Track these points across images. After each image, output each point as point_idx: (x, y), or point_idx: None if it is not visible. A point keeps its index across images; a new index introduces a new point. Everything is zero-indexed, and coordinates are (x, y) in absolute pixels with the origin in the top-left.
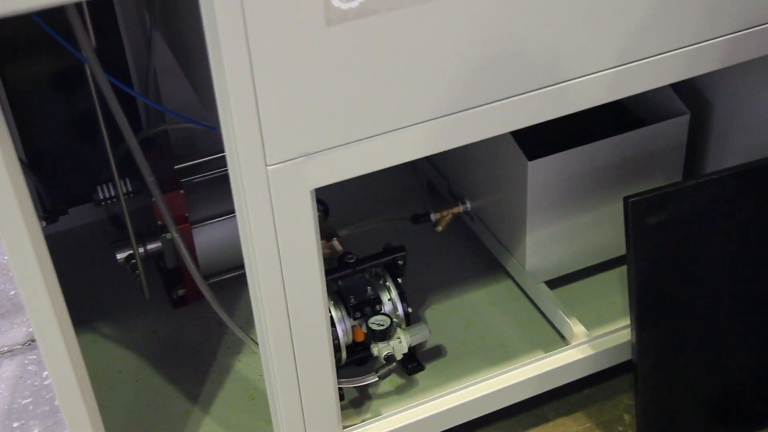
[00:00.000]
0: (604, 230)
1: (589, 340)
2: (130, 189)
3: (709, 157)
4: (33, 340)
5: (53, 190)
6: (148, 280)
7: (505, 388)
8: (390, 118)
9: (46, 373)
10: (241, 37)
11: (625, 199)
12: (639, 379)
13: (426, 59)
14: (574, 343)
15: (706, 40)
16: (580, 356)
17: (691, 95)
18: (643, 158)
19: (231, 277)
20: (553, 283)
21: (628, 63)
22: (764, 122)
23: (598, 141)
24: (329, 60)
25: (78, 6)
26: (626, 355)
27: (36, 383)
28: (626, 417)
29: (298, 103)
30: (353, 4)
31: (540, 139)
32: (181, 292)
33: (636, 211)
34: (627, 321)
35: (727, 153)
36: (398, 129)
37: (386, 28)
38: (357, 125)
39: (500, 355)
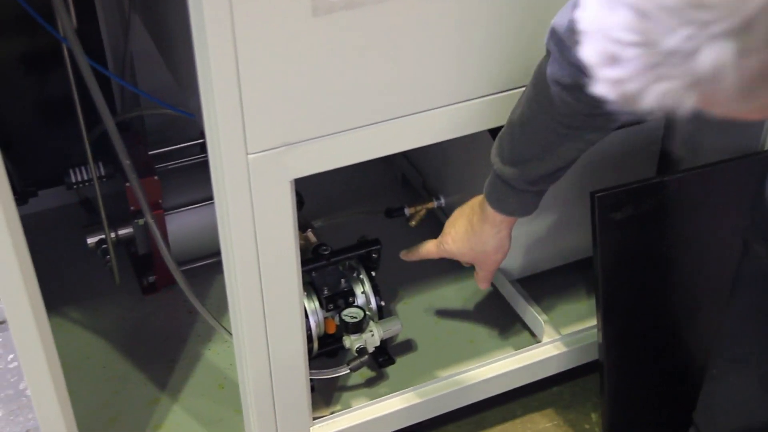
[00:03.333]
0: (576, 230)
1: (559, 338)
2: (103, 173)
3: (682, 158)
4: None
5: (23, 170)
6: (119, 266)
7: (474, 384)
8: (374, 110)
9: (11, 356)
10: (226, 24)
11: (592, 194)
12: (605, 378)
13: (412, 52)
14: (544, 341)
15: None
16: (549, 354)
17: None
18: (618, 158)
19: (202, 265)
20: (525, 281)
21: None
22: (736, 124)
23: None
24: (315, 50)
25: None
26: (595, 354)
27: (0, 366)
28: (593, 415)
29: (281, 92)
30: None
31: None
32: (151, 278)
33: (603, 207)
34: (596, 320)
35: (701, 154)
36: (382, 121)
37: (373, 19)
38: (340, 116)
39: (470, 350)
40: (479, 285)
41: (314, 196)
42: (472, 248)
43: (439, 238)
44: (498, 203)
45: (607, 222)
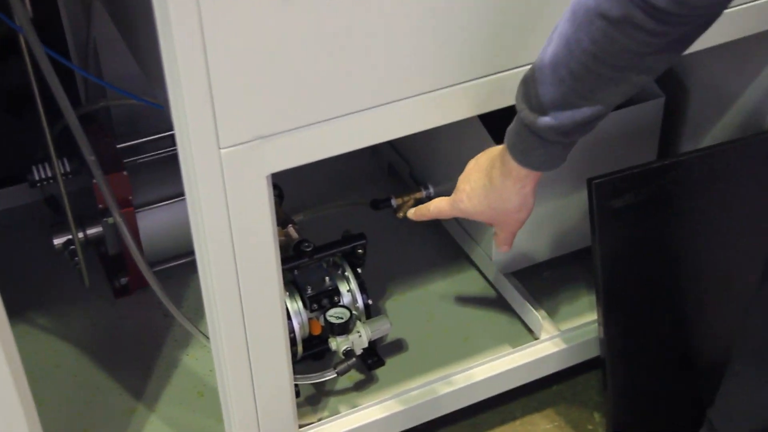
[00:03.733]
0: (574, 219)
1: (558, 334)
2: (68, 169)
3: (683, 141)
4: None
5: None
6: (88, 268)
7: (470, 385)
8: (353, 98)
9: None
10: (192, 8)
11: (589, 181)
12: (608, 376)
13: (391, 37)
14: (542, 338)
15: None
16: (548, 351)
17: (666, 78)
18: (616, 142)
19: (177, 265)
20: (521, 275)
21: None
22: (738, 105)
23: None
24: (287, 36)
25: None
26: (597, 351)
27: None
28: (596, 415)
29: (254, 81)
30: None
31: (508, 122)
32: (123, 280)
33: (601, 194)
34: (596, 315)
35: (702, 137)
36: (362, 110)
37: (349, 3)
38: (317, 106)
39: (465, 349)
40: (499, 248)
41: (295, 188)
42: (491, 206)
43: (453, 195)
44: (523, 156)
45: (606, 210)
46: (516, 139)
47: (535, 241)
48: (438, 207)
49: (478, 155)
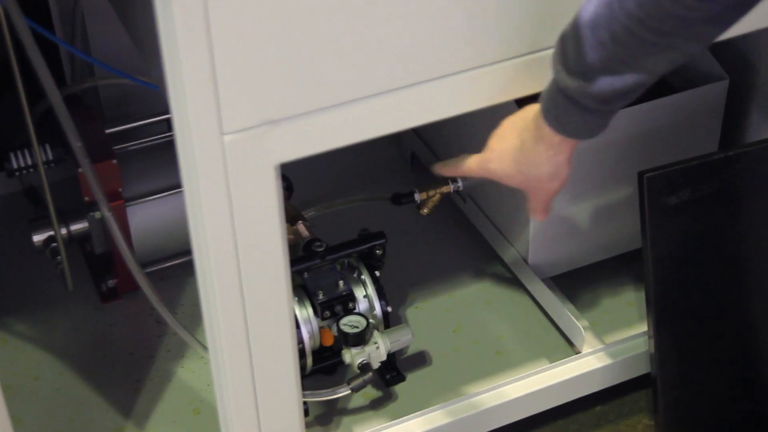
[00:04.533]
0: (623, 217)
1: (602, 348)
2: (50, 157)
3: (750, 128)
4: None
5: None
6: (72, 268)
7: (501, 405)
8: (375, 78)
9: None
10: None
11: (640, 175)
12: (659, 395)
13: (415, 9)
14: (584, 352)
15: None
16: (591, 367)
17: (731, 58)
18: (673, 131)
19: (172, 266)
20: (561, 280)
21: None
22: None
23: (621, 110)
24: (301, 6)
25: None
26: (646, 367)
27: None
28: None
29: (263, 58)
30: None
31: None
32: (111, 282)
33: (654, 189)
34: (647, 326)
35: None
36: (383, 93)
37: None
38: (334, 87)
39: (496, 364)
40: (533, 216)
41: (306, 180)
42: (521, 171)
43: (483, 152)
44: (557, 121)
45: (659, 207)
46: (550, 104)
47: (577, 241)
48: (467, 164)
49: (515, 114)
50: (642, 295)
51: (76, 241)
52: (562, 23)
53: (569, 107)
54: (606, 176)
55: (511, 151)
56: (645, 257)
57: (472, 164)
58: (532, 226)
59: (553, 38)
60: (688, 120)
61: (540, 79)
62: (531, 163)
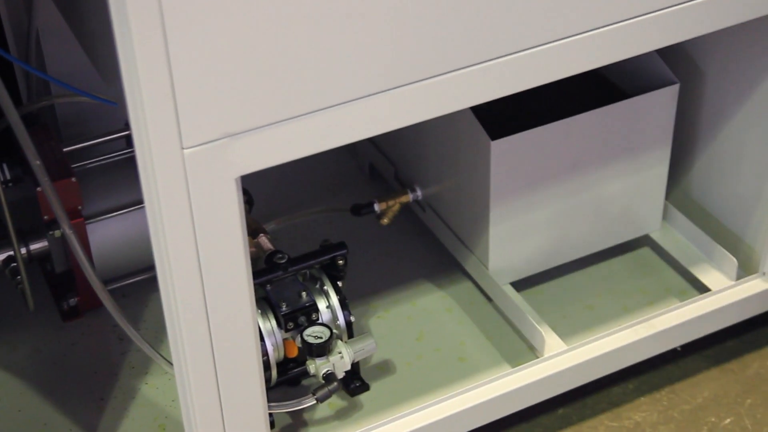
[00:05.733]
0: (580, 221)
1: (563, 351)
2: (7, 176)
3: (701, 130)
4: None
5: None
6: (33, 288)
7: (465, 410)
8: (331, 90)
9: None
10: None
11: None
12: None
13: (374, 22)
14: (546, 355)
15: (690, 1)
16: (553, 370)
17: (680, 63)
18: (626, 134)
19: (133, 283)
20: (521, 285)
21: (603, 27)
22: (761, 90)
23: (574, 116)
24: (258, 20)
25: None
26: (607, 369)
27: None
28: None
29: (220, 72)
30: None
31: (506, 115)
32: (72, 301)
33: None
34: (607, 328)
35: (722, 125)
36: (341, 104)
37: None
38: (292, 99)
39: (459, 370)
40: None
41: (266, 194)
42: None
43: None
44: None
45: None
46: None
47: (537, 248)
48: None
49: None
50: (600, 297)
51: (35, 260)
52: (507, 34)
53: None
54: (564, 181)
55: None
56: None
57: None
58: (492, 232)
59: (504, 49)
60: (640, 125)
61: (492, 88)
62: None
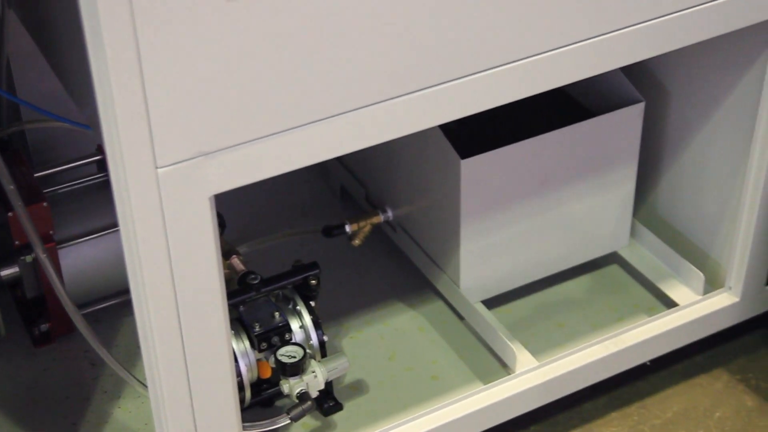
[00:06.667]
0: (550, 239)
1: (534, 367)
2: None
3: (667, 148)
4: None
5: None
6: (4, 314)
7: (438, 428)
8: (304, 109)
9: None
10: (125, 13)
11: None
12: None
13: (344, 42)
14: (518, 372)
15: (653, 19)
16: (525, 387)
17: (645, 81)
18: (594, 152)
19: (105, 307)
20: (492, 303)
21: (567, 45)
22: (725, 107)
23: (542, 135)
24: (230, 41)
25: None
26: (578, 384)
27: None
28: None
29: (194, 92)
30: None
31: (475, 135)
32: (44, 327)
33: None
34: (578, 344)
35: (687, 142)
36: (313, 122)
37: (299, 3)
38: (265, 118)
39: (432, 389)
40: None
41: (238, 217)
42: None
43: None
44: None
45: None
46: None
47: (507, 266)
48: None
49: None
50: (571, 314)
51: (7, 286)
52: (472, 53)
53: None
54: (533, 200)
55: None
56: None
57: None
58: (462, 251)
59: (473, 67)
60: (607, 143)
61: (459, 107)
62: None
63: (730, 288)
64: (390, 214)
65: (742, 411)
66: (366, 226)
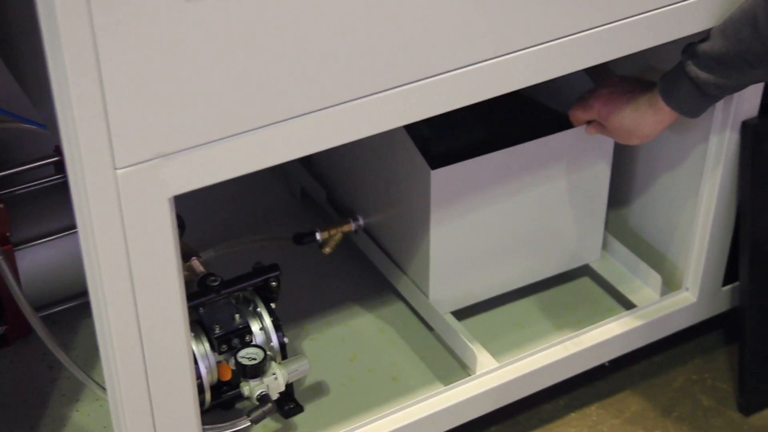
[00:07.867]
0: (521, 250)
1: (495, 368)
2: None
3: (639, 159)
4: None
5: None
6: None
7: (399, 429)
8: (264, 109)
9: None
10: (83, 13)
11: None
12: (747, 329)
13: (306, 41)
14: (478, 373)
15: (623, 19)
16: (485, 388)
17: None
18: (567, 163)
19: (63, 310)
20: (461, 314)
21: (536, 45)
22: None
23: (513, 146)
24: (190, 40)
25: None
26: (538, 385)
27: None
28: None
29: (153, 92)
30: None
31: (446, 144)
32: (1, 329)
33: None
34: (538, 345)
35: (662, 148)
36: (274, 123)
37: (260, 3)
38: (224, 119)
39: (393, 390)
40: (587, 131)
41: (198, 222)
42: (622, 125)
43: (592, 100)
44: (677, 102)
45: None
46: (674, 89)
47: (477, 276)
48: (576, 117)
49: (630, 83)
50: (528, 318)
51: None
52: (439, 53)
53: (695, 94)
54: (505, 211)
55: (627, 113)
56: (744, 208)
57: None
58: (432, 262)
59: (437, 68)
60: (580, 154)
61: (425, 107)
62: (637, 125)
63: (687, 289)
64: (361, 222)
65: (698, 410)
66: (337, 234)
